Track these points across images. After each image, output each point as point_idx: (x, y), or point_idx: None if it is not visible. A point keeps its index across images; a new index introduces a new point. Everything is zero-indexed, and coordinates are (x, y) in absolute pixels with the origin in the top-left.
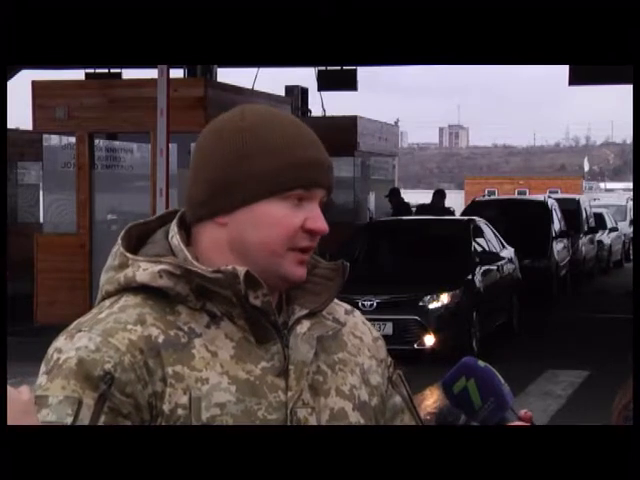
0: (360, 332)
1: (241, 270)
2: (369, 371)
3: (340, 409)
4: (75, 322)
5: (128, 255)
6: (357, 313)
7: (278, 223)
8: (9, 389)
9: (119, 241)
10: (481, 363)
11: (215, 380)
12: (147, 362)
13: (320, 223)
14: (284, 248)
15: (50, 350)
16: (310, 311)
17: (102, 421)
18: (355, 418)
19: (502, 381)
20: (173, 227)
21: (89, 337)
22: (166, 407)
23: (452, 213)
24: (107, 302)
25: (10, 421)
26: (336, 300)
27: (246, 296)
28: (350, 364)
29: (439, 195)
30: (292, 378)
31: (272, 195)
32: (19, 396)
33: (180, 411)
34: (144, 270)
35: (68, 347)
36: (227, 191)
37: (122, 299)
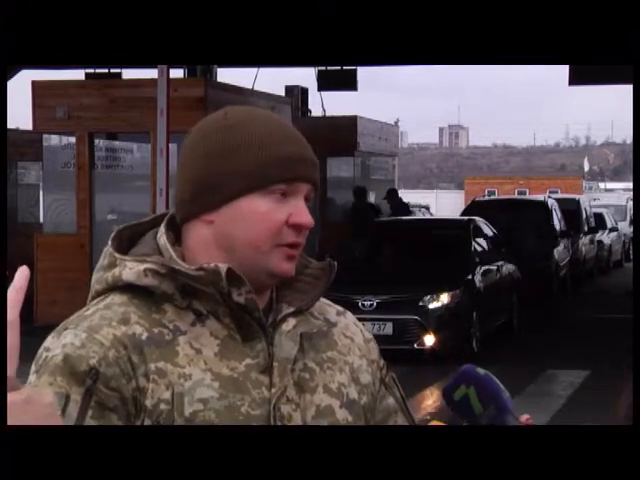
0: (351, 333)
1: (223, 267)
2: (359, 370)
3: (327, 406)
4: (64, 321)
5: (116, 255)
6: (349, 315)
7: (262, 218)
8: (32, 392)
9: (109, 242)
10: (480, 370)
11: (198, 376)
12: (131, 357)
13: (305, 217)
14: (270, 244)
15: (40, 350)
16: (296, 309)
17: (89, 416)
18: (342, 415)
19: (502, 387)
20: (161, 228)
21: (75, 334)
22: (149, 402)
23: (378, 209)
24: (95, 301)
25: (34, 423)
26: (328, 302)
27: (229, 293)
28: (339, 363)
29: (358, 193)
30: (276, 375)
31: (254, 190)
32: (42, 399)
33: (163, 406)
34: (130, 269)
35: (55, 345)
36: (211, 188)
37: (109, 298)
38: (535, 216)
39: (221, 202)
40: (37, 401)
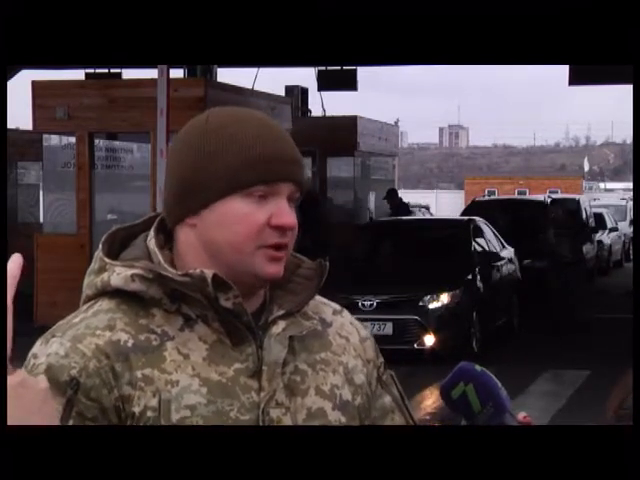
0: (347, 332)
1: (209, 273)
2: (353, 370)
3: (318, 409)
4: (55, 326)
5: (105, 259)
6: (346, 313)
7: (242, 221)
8: (28, 377)
9: (100, 245)
10: (478, 368)
11: (186, 382)
12: (113, 367)
13: (286, 218)
14: (252, 246)
15: (29, 354)
16: (287, 311)
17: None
18: (335, 417)
19: (500, 385)
20: (151, 231)
21: (60, 343)
22: (136, 409)
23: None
24: (84, 306)
25: (29, 408)
26: (325, 300)
27: (216, 298)
28: (333, 364)
29: (309, 202)
30: (264, 379)
31: (233, 193)
32: (37, 384)
33: (149, 413)
34: (118, 274)
35: (42, 352)
36: (191, 192)
37: (97, 303)
38: (535, 216)
39: (201, 206)
40: (32, 385)
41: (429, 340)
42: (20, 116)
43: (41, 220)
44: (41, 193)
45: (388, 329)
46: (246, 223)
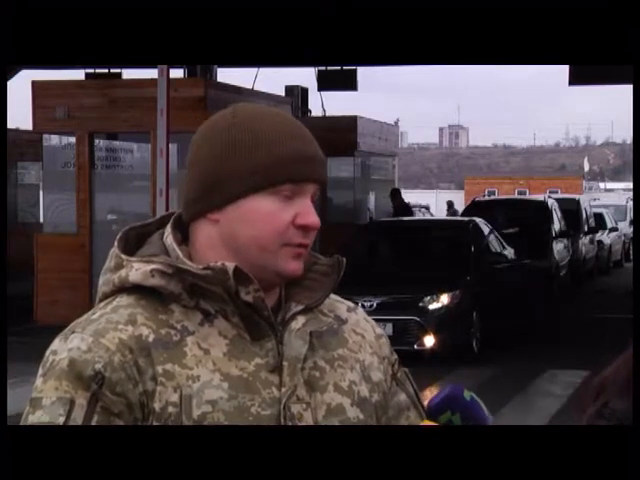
0: (362, 329)
1: (230, 266)
2: (370, 367)
3: (338, 404)
4: (72, 323)
5: (122, 256)
6: (359, 310)
7: (268, 219)
8: None
9: (115, 243)
10: (467, 395)
11: (207, 377)
12: (137, 361)
13: (311, 218)
14: (277, 244)
15: (47, 352)
16: (305, 307)
17: (95, 421)
18: (354, 413)
19: (486, 413)
20: (167, 228)
21: (81, 338)
22: (157, 405)
23: None
24: (102, 303)
25: None
26: (339, 298)
27: (237, 292)
28: (350, 360)
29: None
30: (286, 374)
31: (260, 190)
32: None
33: (171, 409)
34: (137, 270)
35: (62, 348)
36: (217, 187)
37: (116, 300)
38: (535, 216)
39: (226, 201)
40: None
41: (429, 341)
42: (20, 116)
43: (41, 220)
44: (41, 193)
45: (388, 330)
46: (272, 221)
